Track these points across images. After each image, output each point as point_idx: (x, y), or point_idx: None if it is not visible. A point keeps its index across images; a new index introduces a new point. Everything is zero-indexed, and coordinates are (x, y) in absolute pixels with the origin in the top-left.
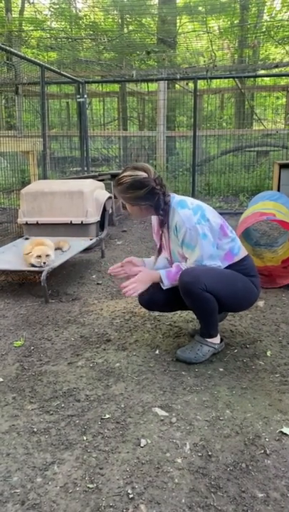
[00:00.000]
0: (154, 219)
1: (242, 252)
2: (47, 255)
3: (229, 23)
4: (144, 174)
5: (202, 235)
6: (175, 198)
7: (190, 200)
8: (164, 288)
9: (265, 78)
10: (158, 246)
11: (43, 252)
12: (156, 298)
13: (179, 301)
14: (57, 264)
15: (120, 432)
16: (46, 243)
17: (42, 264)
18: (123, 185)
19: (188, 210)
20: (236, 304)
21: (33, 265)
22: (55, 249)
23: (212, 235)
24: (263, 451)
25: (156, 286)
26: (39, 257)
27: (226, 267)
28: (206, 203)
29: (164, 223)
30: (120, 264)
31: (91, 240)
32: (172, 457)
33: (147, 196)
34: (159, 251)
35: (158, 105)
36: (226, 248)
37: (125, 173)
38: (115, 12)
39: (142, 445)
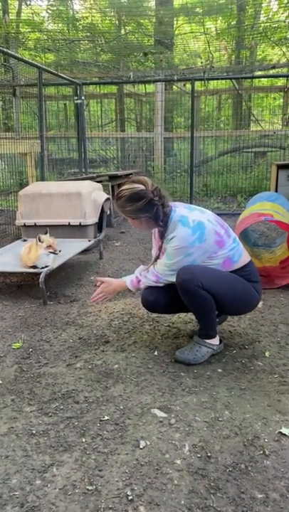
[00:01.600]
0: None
1: (243, 258)
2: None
3: (226, 24)
4: (141, 186)
5: (187, 254)
6: (177, 212)
7: (192, 217)
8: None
9: (262, 79)
10: (156, 254)
11: (53, 241)
12: (159, 301)
13: (181, 304)
14: (55, 266)
15: (119, 433)
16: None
17: (57, 252)
18: (122, 198)
19: (188, 230)
20: (235, 306)
21: (34, 267)
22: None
23: (200, 255)
24: (262, 452)
25: (159, 289)
26: (49, 246)
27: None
28: (204, 205)
29: (162, 234)
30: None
31: (89, 241)
32: (171, 458)
33: (146, 208)
34: (156, 259)
35: (156, 106)
36: (223, 257)
37: (123, 187)
38: (112, 13)
39: (141, 446)
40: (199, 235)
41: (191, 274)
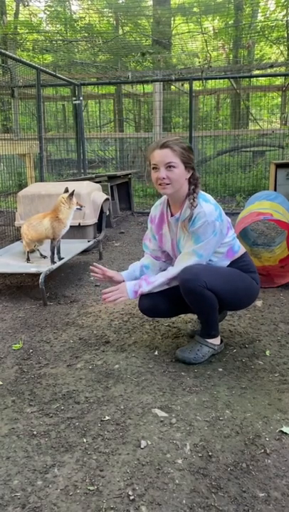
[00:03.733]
0: (156, 210)
1: (241, 249)
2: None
3: (224, 23)
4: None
5: (215, 232)
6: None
7: (208, 196)
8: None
9: (260, 78)
10: (158, 240)
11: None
12: (159, 306)
13: (179, 308)
14: (55, 267)
15: (120, 433)
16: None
17: (84, 206)
18: (180, 144)
19: (211, 205)
20: (237, 301)
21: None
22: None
23: (220, 236)
24: (263, 451)
25: (158, 293)
26: (81, 206)
27: (228, 265)
28: None
29: (194, 201)
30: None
31: (89, 241)
32: (173, 458)
33: (192, 164)
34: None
35: (154, 106)
36: (228, 245)
37: (176, 137)
38: (110, 13)
39: (142, 446)
40: (219, 212)
41: (194, 274)
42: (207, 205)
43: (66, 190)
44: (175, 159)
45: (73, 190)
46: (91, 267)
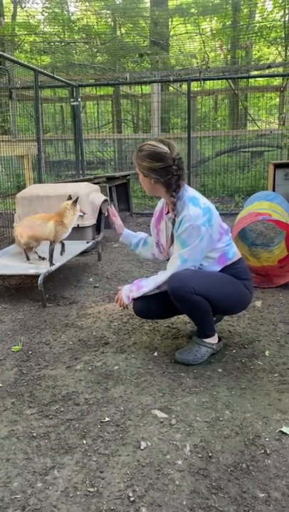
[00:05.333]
0: (160, 204)
1: (236, 256)
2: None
3: (221, 24)
4: (165, 149)
5: (200, 237)
6: (188, 192)
7: (202, 200)
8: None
9: (258, 79)
10: (155, 234)
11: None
12: (151, 308)
13: (172, 309)
14: (54, 268)
15: (120, 434)
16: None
17: (86, 213)
18: (142, 152)
19: (199, 209)
20: (229, 306)
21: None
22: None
23: (208, 242)
24: (263, 451)
25: (150, 296)
26: (82, 212)
27: (220, 270)
28: None
29: (174, 205)
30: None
31: (87, 243)
32: (172, 459)
33: (160, 171)
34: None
35: (152, 107)
36: (220, 251)
37: (149, 142)
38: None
39: (142, 448)
40: (208, 217)
41: (181, 281)
42: (194, 209)
43: (69, 198)
44: (138, 170)
45: (77, 198)
46: (110, 208)
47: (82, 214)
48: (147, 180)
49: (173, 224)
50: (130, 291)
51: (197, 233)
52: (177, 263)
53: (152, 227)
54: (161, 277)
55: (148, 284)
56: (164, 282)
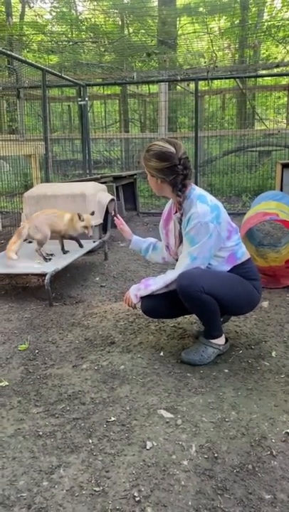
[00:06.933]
0: (168, 206)
1: (245, 256)
2: (92, 226)
3: (229, 23)
4: (172, 149)
5: (209, 235)
6: (196, 190)
7: (210, 197)
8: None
9: (266, 78)
10: (164, 235)
11: (90, 224)
12: (160, 307)
13: (181, 308)
14: (60, 267)
15: (126, 434)
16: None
17: (89, 235)
18: (149, 152)
19: (207, 206)
20: (237, 307)
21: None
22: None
23: (217, 239)
24: (269, 453)
25: (159, 295)
26: (86, 228)
27: (229, 270)
28: None
29: (180, 204)
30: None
31: (94, 242)
32: (178, 459)
33: (166, 171)
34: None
35: (159, 107)
36: (229, 250)
37: (156, 142)
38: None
39: (147, 447)
40: (216, 214)
41: (191, 280)
42: (202, 206)
43: (92, 213)
44: (146, 170)
45: (93, 212)
46: (116, 219)
47: (86, 228)
48: (154, 180)
49: (180, 223)
50: (138, 290)
51: (205, 230)
52: (186, 261)
53: (161, 228)
54: (170, 276)
55: (156, 283)
56: (172, 281)
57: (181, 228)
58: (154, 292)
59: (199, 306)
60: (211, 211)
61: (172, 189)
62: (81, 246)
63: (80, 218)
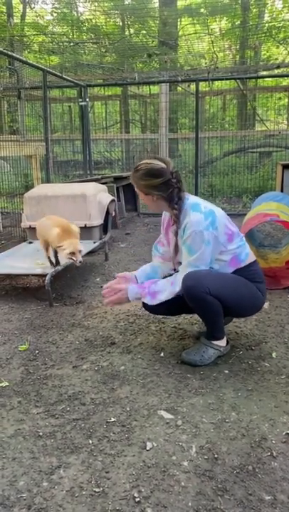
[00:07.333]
0: (165, 215)
1: (249, 258)
2: (80, 251)
3: (230, 24)
4: (162, 164)
5: (206, 242)
6: (189, 199)
7: (204, 204)
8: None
9: (266, 79)
10: (168, 245)
11: (76, 248)
12: (161, 305)
13: (182, 306)
14: (61, 268)
15: (126, 435)
16: (73, 230)
17: (78, 263)
18: (139, 171)
19: (200, 214)
20: (241, 309)
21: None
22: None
23: (215, 245)
24: (269, 454)
25: None
26: (73, 254)
27: (233, 272)
28: None
29: (177, 218)
30: (114, 282)
31: (94, 242)
32: (178, 460)
33: (161, 187)
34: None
35: (160, 107)
36: (232, 253)
37: (144, 161)
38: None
39: (147, 448)
40: (211, 221)
41: (197, 280)
42: (195, 214)
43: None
44: (137, 190)
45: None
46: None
47: (71, 258)
48: (150, 197)
49: (176, 236)
50: (142, 296)
51: (200, 238)
52: (188, 272)
53: (163, 236)
54: (176, 288)
55: (163, 294)
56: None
57: (177, 240)
58: (162, 301)
59: (203, 307)
60: (205, 218)
61: (169, 204)
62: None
63: (61, 247)
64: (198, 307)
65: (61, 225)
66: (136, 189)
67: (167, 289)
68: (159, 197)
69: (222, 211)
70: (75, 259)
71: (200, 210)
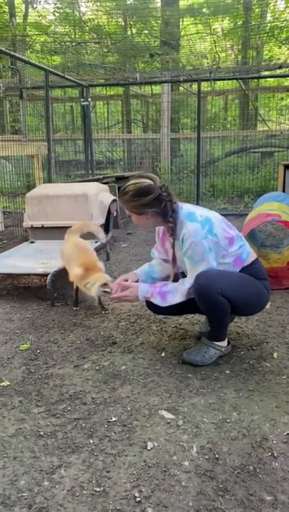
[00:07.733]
0: (159, 227)
1: (251, 257)
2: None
3: (233, 24)
4: (148, 181)
5: (208, 249)
6: (183, 209)
7: (199, 212)
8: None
9: (268, 79)
10: (165, 254)
11: (107, 279)
12: None
13: (185, 306)
14: (62, 267)
15: (127, 434)
16: (97, 265)
17: (108, 295)
18: (128, 193)
19: (197, 224)
20: (248, 308)
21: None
22: None
23: (216, 250)
24: (270, 454)
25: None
26: (105, 285)
27: (239, 271)
28: (211, 205)
29: (173, 231)
30: (116, 283)
31: (96, 242)
32: (179, 460)
33: (153, 203)
34: (174, 261)
35: (162, 107)
36: (233, 255)
37: (130, 183)
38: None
39: (148, 448)
40: (209, 228)
41: (210, 280)
42: (192, 224)
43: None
44: (129, 212)
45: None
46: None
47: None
48: (144, 217)
49: (173, 248)
50: (152, 296)
51: (201, 248)
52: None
53: (159, 247)
54: (186, 285)
55: (174, 298)
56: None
57: (174, 252)
58: (172, 303)
59: (213, 308)
60: (202, 227)
61: (163, 219)
62: None
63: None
64: (207, 307)
65: (85, 262)
66: (127, 212)
67: (178, 289)
68: (154, 214)
69: (219, 216)
70: (108, 290)
71: (196, 220)
